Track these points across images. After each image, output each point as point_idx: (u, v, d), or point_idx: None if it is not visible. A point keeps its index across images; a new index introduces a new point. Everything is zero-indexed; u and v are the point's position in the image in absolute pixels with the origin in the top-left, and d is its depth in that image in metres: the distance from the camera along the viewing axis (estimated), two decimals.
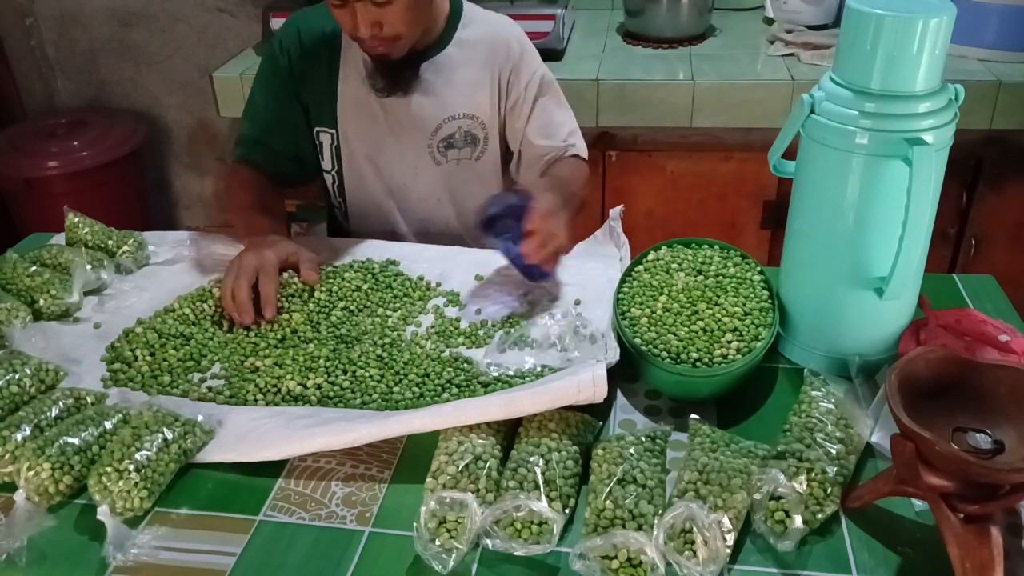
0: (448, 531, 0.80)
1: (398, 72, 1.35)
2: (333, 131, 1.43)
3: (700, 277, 1.06)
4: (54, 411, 0.94)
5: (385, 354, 1.08)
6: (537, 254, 1.09)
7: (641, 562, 0.77)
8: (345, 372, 1.04)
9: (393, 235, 1.46)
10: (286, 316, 1.14)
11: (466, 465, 0.85)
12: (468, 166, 1.45)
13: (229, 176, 1.46)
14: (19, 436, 0.90)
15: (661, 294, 1.04)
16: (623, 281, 1.09)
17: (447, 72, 1.39)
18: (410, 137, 1.41)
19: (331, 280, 1.21)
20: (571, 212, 1.21)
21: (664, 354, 0.97)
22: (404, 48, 1.31)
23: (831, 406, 0.91)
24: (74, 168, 2.58)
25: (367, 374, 1.03)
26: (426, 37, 1.37)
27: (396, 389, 1.01)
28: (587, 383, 0.88)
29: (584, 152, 1.47)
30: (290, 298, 1.18)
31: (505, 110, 1.44)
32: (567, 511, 0.84)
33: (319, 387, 1.02)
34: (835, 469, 0.84)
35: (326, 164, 1.47)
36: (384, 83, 1.36)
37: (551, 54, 2.07)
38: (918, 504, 0.85)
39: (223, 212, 3.01)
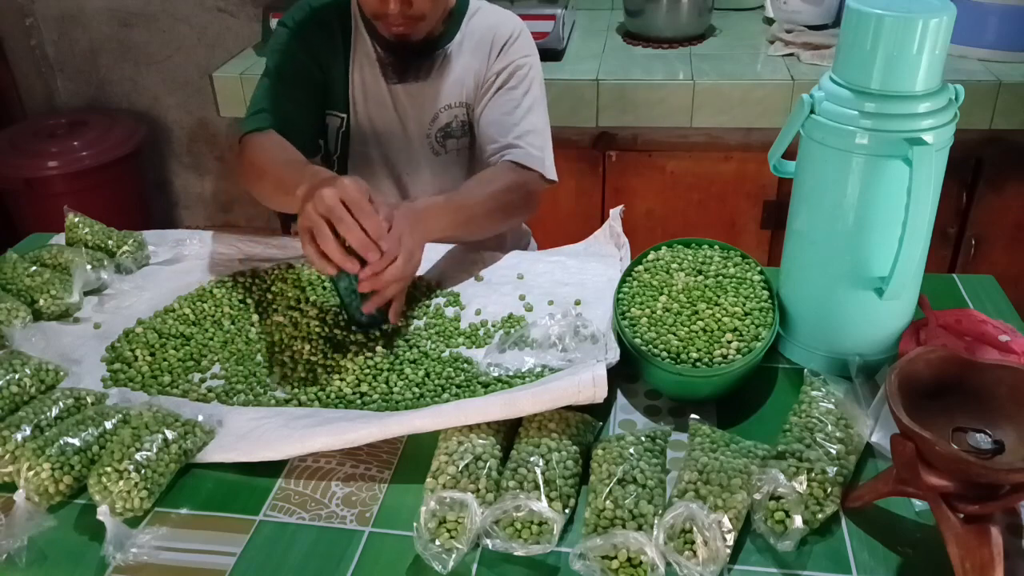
0: (448, 531, 0.80)
1: (412, 58, 1.36)
2: (343, 115, 1.43)
3: (700, 277, 1.06)
4: (54, 411, 0.94)
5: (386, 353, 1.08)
6: (372, 280, 1.02)
7: (641, 562, 0.77)
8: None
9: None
10: (279, 318, 1.14)
11: (466, 465, 0.85)
12: (467, 156, 1.46)
13: (252, 142, 1.30)
14: (19, 436, 0.90)
15: (661, 294, 1.04)
16: (623, 281, 1.09)
17: (450, 63, 1.40)
18: (415, 126, 1.42)
19: (328, 280, 1.21)
20: (449, 222, 1.18)
21: (664, 354, 0.97)
22: (424, 30, 1.32)
23: (831, 406, 0.91)
24: (74, 168, 2.58)
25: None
26: (435, 33, 1.37)
27: (396, 389, 1.01)
28: (587, 383, 0.88)
29: (532, 160, 1.35)
30: (284, 307, 1.18)
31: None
32: (567, 511, 0.84)
33: (321, 388, 1.02)
34: (835, 469, 0.84)
35: (330, 147, 1.47)
36: (398, 69, 1.37)
37: (551, 54, 2.08)
38: (918, 504, 0.84)
39: (221, 207, 3.01)
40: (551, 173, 1.39)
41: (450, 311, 1.18)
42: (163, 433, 0.89)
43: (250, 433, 0.94)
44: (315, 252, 1.00)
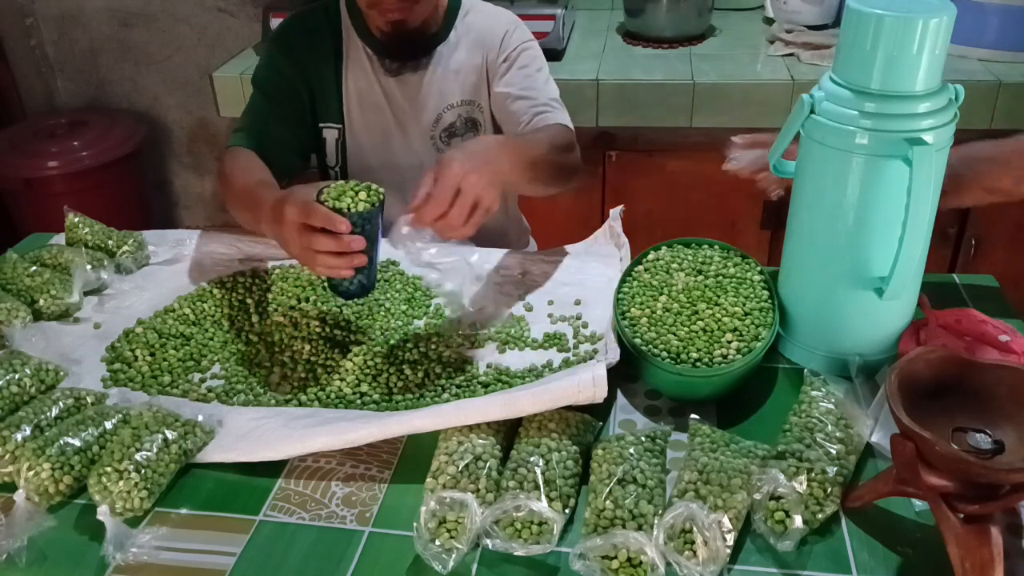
0: (448, 531, 0.80)
1: (408, 53, 1.37)
2: (339, 126, 1.43)
3: (700, 277, 1.06)
4: (54, 411, 0.94)
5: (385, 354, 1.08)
6: (427, 220, 0.97)
7: (641, 562, 0.77)
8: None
9: None
10: (278, 318, 1.14)
11: (466, 465, 0.85)
12: None
13: (229, 159, 1.32)
14: (19, 436, 0.90)
15: (661, 294, 1.04)
16: (623, 281, 1.09)
17: (445, 61, 1.40)
18: (415, 128, 1.42)
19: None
20: (522, 163, 1.13)
21: (664, 354, 0.97)
22: (420, 15, 1.32)
23: (831, 406, 0.91)
24: (74, 168, 2.58)
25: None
26: (431, 23, 1.38)
27: (396, 389, 1.01)
28: (587, 383, 0.88)
29: (568, 122, 1.36)
30: (288, 308, 1.18)
31: (491, 87, 1.42)
32: (567, 511, 0.84)
33: (321, 388, 1.02)
34: (835, 469, 0.84)
35: (330, 160, 1.47)
36: (396, 61, 1.37)
37: (551, 54, 2.07)
38: (918, 504, 0.84)
39: (221, 207, 3.01)
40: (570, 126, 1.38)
41: (450, 311, 1.18)
42: (163, 433, 0.89)
43: (250, 433, 0.94)
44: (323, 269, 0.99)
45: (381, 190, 1.00)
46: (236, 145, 1.35)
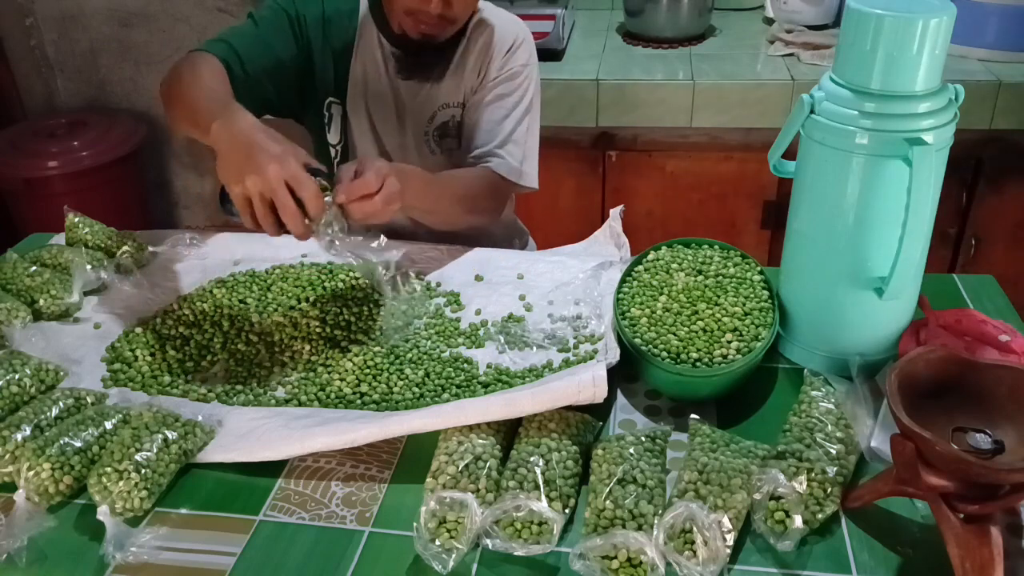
0: (448, 531, 0.80)
1: (425, 57, 1.36)
2: (343, 102, 1.42)
3: (700, 277, 1.06)
4: (54, 411, 0.94)
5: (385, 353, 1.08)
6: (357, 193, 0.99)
7: (641, 562, 0.77)
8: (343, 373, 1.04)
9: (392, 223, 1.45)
10: (278, 318, 1.14)
11: (466, 465, 0.85)
12: (457, 159, 1.46)
13: (199, 59, 1.21)
14: (19, 436, 0.90)
15: (661, 294, 1.04)
16: (623, 281, 1.09)
17: (453, 67, 1.40)
18: (413, 123, 1.42)
19: (328, 280, 1.21)
20: (423, 193, 1.20)
21: (664, 354, 0.97)
22: (450, 33, 1.33)
23: (831, 406, 0.91)
24: (74, 168, 2.58)
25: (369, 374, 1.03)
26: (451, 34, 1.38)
27: (396, 389, 1.02)
28: (587, 383, 0.88)
29: (509, 172, 1.37)
30: (289, 307, 1.18)
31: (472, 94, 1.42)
32: (567, 511, 0.84)
33: (321, 388, 1.02)
34: (835, 469, 0.84)
35: (332, 137, 1.46)
36: (407, 65, 1.37)
37: (551, 54, 2.08)
38: (919, 504, 0.84)
39: (216, 204, 3.01)
40: (528, 181, 1.41)
41: (450, 311, 1.18)
42: (163, 433, 0.89)
43: (250, 433, 0.94)
44: (252, 223, 0.98)
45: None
46: (205, 48, 1.25)
